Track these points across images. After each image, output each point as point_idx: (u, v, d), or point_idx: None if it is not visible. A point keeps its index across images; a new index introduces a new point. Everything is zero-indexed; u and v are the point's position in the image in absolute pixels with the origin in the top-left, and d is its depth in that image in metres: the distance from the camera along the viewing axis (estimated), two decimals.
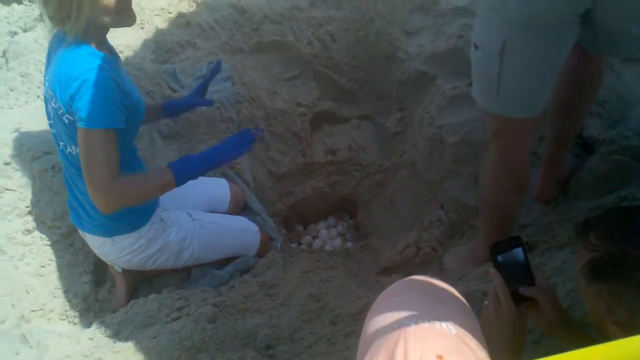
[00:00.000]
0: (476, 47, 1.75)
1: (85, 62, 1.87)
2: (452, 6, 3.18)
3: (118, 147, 1.97)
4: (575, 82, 1.86)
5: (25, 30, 3.35)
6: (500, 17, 1.62)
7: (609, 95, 2.64)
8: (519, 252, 1.36)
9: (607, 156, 2.35)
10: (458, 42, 3.06)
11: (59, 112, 1.93)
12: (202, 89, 2.49)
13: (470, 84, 2.86)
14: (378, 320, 0.91)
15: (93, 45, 1.92)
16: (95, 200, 1.92)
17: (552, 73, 1.71)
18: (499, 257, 1.36)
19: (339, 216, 3.39)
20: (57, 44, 1.96)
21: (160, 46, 3.24)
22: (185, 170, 2.03)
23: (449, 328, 0.85)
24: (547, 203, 2.40)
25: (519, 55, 1.65)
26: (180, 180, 2.03)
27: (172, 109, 2.45)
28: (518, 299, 1.34)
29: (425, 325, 0.85)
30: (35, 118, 2.73)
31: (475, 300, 1.92)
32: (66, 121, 1.93)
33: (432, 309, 0.91)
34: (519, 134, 1.85)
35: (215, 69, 2.46)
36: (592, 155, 2.42)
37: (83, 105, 1.84)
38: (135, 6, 3.29)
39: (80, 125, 1.86)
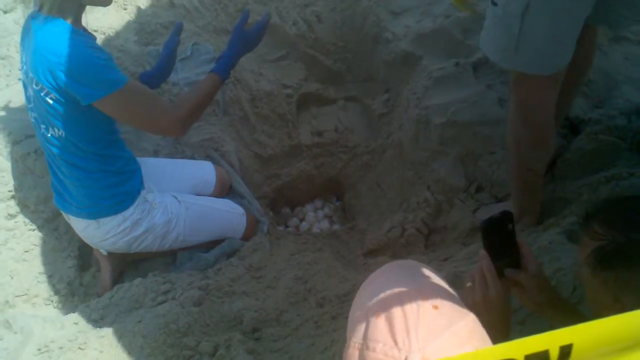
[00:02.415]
0: (494, 4, 1.78)
1: (66, 38, 1.85)
2: None
3: (100, 126, 2.05)
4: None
5: (5, 12, 3.29)
6: None
7: (595, 74, 2.65)
8: (507, 227, 1.34)
9: (593, 136, 2.36)
10: (445, 22, 3.04)
11: (42, 93, 1.91)
12: (171, 49, 2.40)
13: (456, 64, 2.85)
14: (365, 298, 0.91)
15: (69, 22, 1.90)
16: (172, 135, 2.25)
17: (574, 33, 1.75)
18: (492, 235, 1.33)
19: (325, 198, 3.39)
20: (31, 24, 1.92)
21: (144, 28, 3.20)
22: (227, 70, 2.18)
23: (438, 287, 0.89)
24: None
25: (543, 14, 1.68)
26: (226, 78, 2.19)
27: (149, 79, 2.39)
28: (501, 273, 1.32)
29: (415, 286, 0.87)
30: (16, 101, 2.69)
31: (462, 281, 1.91)
32: (50, 101, 1.91)
33: (417, 280, 0.92)
34: (537, 87, 1.87)
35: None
36: (578, 136, 2.42)
37: (89, 78, 1.87)
38: None
39: (99, 97, 1.89)
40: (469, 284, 1.32)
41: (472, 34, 2.94)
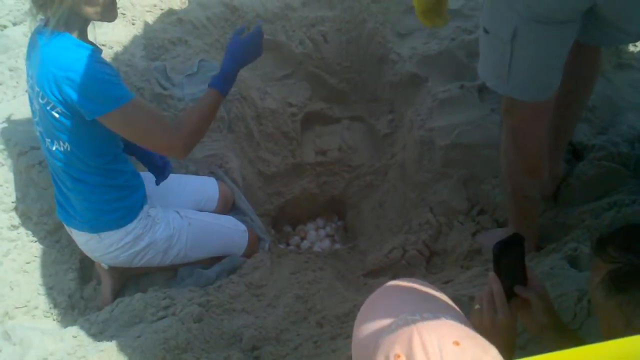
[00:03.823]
0: (486, 31, 1.79)
1: (71, 52, 1.87)
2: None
3: (105, 140, 2.06)
4: (572, 72, 1.90)
5: (15, 24, 3.33)
6: (509, 6, 1.66)
7: (598, 101, 2.65)
8: (518, 250, 1.34)
9: (596, 162, 2.36)
10: (450, 44, 3.06)
11: (48, 107, 1.92)
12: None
13: (461, 87, 2.86)
14: (375, 322, 0.89)
15: (75, 36, 1.92)
16: (175, 156, 2.13)
17: (561, 59, 1.75)
18: (504, 259, 1.32)
19: (327, 217, 3.39)
20: (37, 38, 1.94)
21: (152, 43, 3.22)
22: (224, 83, 2.11)
23: (453, 319, 0.85)
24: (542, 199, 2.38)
25: (529, 43, 1.69)
26: (225, 92, 2.13)
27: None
28: (509, 295, 1.32)
29: (432, 317, 0.84)
30: (23, 112, 2.70)
31: (463, 304, 1.91)
32: (57, 115, 1.92)
33: (429, 305, 0.91)
34: (528, 115, 1.88)
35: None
36: (582, 161, 2.42)
37: (94, 93, 1.87)
38: (126, 2, 3.31)
39: (103, 112, 1.90)
40: (477, 307, 1.31)
41: (477, 57, 2.93)
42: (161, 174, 2.37)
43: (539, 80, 1.79)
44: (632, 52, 2.97)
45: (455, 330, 0.82)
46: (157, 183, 2.37)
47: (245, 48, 2.14)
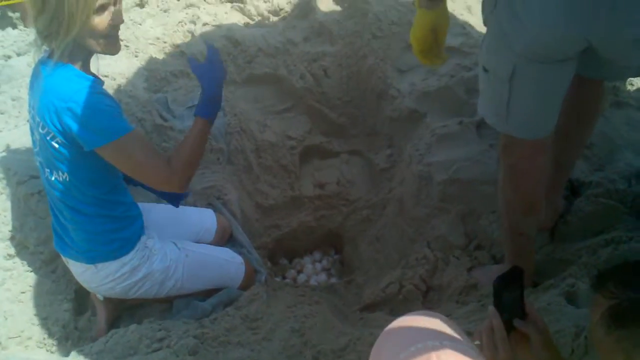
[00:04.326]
0: (485, 70, 1.81)
1: (73, 83, 1.89)
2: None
3: (104, 171, 2.05)
4: (573, 105, 1.91)
5: (19, 54, 3.37)
6: (508, 45, 1.68)
7: (596, 138, 2.67)
8: (518, 284, 1.34)
9: (593, 199, 2.36)
10: (450, 81, 3.09)
11: (48, 137, 1.93)
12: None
13: (460, 123, 2.88)
14: (392, 351, 0.90)
15: (77, 67, 1.94)
16: (171, 189, 2.10)
17: (559, 97, 1.77)
18: (505, 294, 1.31)
19: (324, 251, 3.38)
20: (40, 69, 1.96)
21: (154, 75, 3.25)
22: (209, 108, 2.10)
23: (472, 351, 0.86)
24: (541, 231, 2.38)
25: (528, 81, 1.71)
26: (212, 120, 2.12)
27: None
28: (509, 329, 1.31)
29: (451, 345, 0.86)
30: (23, 142, 2.72)
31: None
32: (56, 145, 1.93)
33: (447, 335, 0.91)
34: (527, 152, 1.88)
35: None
36: (579, 198, 2.43)
37: (93, 124, 1.87)
38: (130, 35, 3.36)
39: (101, 144, 1.90)
40: (476, 342, 1.31)
41: (476, 94, 2.96)
42: (179, 196, 2.40)
43: (538, 118, 1.80)
44: (629, 91, 3.00)
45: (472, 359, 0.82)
46: (177, 205, 2.41)
47: (213, 68, 2.12)
